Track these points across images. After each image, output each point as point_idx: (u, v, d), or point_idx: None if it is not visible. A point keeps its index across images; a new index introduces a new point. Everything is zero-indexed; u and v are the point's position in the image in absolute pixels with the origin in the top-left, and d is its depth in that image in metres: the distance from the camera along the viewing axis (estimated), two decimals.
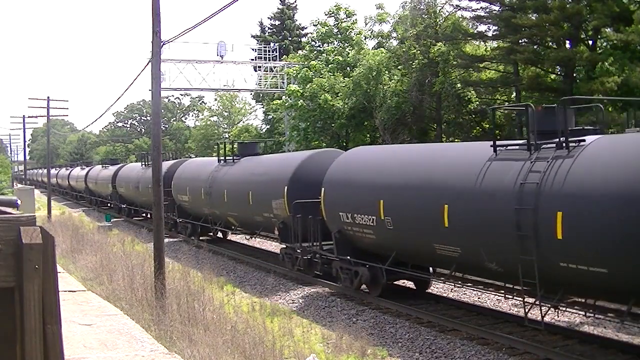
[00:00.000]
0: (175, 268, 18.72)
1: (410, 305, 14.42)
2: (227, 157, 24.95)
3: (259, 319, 13.68)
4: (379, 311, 14.50)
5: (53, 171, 75.77)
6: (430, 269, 15.50)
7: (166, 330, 9.93)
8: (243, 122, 69.39)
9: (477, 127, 33.44)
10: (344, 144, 38.35)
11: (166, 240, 26.78)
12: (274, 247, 25.40)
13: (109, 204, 47.67)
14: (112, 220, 37.24)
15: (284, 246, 19.37)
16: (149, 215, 37.24)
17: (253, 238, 25.43)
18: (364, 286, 15.79)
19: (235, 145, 31.12)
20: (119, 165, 46.01)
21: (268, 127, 55.71)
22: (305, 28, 63.58)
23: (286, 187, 18.51)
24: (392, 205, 13.76)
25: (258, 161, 22.84)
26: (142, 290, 13.22)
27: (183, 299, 12.68)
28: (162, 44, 14.63)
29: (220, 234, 28.62)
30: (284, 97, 43.82)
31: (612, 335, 12.10)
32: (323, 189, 16.31)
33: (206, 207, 25.25)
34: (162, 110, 47.88)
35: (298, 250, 18.11)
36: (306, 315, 15.09)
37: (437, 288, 16.49)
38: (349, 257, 15.55)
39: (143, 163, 36.86)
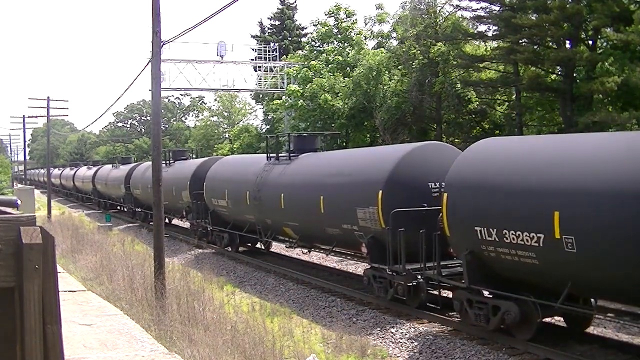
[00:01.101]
0: (175, 268, 18.73)
1: (410, 305, 14.41)
2: (280, 154, 20.73)
3: (259, 319, 13.68)
4: (379, 311, 14.50)
5: (56, 171, 74.14)
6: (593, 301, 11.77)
7: (166, 330, 9.93)
8: (243, 122, 69.36)
9: (477, 127, 33.44)
10: (344, 144, 38.36)
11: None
12: (336, 263, 21.35)
13: (119, 207, 44.73)
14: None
15: (369, 267, 15.20)
16: (170, 221, 34.31)
17: (310, 252, 21.25)
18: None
19: (283, 139, 27.93)
20: (132, 165, 42.04)
21: (268, 127, 55.67)
22: (305, 28, 63.62)
23: (381, 192, 14.26)
24: (575, 220, 9.63)
25: (328, 158, 18.93)
26: (142, 290, 13.22)
27: (183, 299, 12.69)
28: (162, 44, 14.63)
29: (259, 244, 23.89)
30: (284, 97, 43.81)
31: (612, 335, 12.10)
32: (446, 194, 12.20)
33: (252, 215, 21.09)
34: (162, 110, 47.88)
35: (395, 274, 13.90)
36: (306, 315, 15.09)
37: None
38: (485, 288, 11.85)
39: (164, 161, 33.93)
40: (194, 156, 37.31)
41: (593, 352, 10.73)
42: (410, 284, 13.57)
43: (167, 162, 31.96)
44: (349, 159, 17.73)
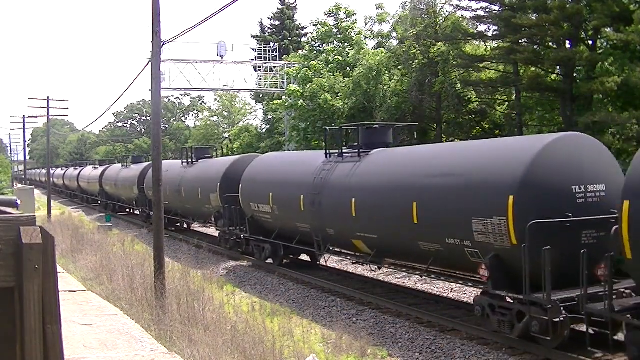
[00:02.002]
0: (175, 268, 18.73)
1: (410, 305, 14.42)
2: (343, 150, 17.24)
3: (259, 319, 13.69)
4: (379, 311, 14.50)
5: (59, 171, 72.40)
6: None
7: (166, 330, 9.93)
8: (243, 122, 69.36)
9: (477, 127, 33.43)
10: (344, 144, 38.36)
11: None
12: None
13: (129, 210, 42.12)
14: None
15: (484, 293, 12.13)
16: (189, 227, 32.44)
17: (379, 269, 18.00)
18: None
19: (345, 133, 24.64)
20: (146, 164, 38.29)
21: (268, 127, 55.69)
22: (305, 28, 63.61)
23: (512, 198, 11.00)
24: None
25: (420, 154, 15.01)
26: (142, 290, 13.23)
27: (183, 299, 12.69)
28: (162, 44, 14.64)
29: (303, 256, 20.73)
30: (283, 97, 43.81)
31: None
32: (627, 202, 9.22)
33: (307, 223, 17.57)
34: (162, 110, 47.86)
35: (534, 305, 10.83)
36: (306, 315, 15.09)
37: (438, 288, 16.46)
38: None
39: (185, 160, 29.93)
40: (216, 154, 34.74)
41: (593, 352, 10.72)
42: (558, 319, 10.52)
43: (190, 160, 28.89)
44: (457, 154, 13.68)
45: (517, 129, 29.11)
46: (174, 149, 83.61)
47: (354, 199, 15.15)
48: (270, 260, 20.52)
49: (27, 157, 75.59)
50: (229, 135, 63.46)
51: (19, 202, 4.01)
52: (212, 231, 29.37)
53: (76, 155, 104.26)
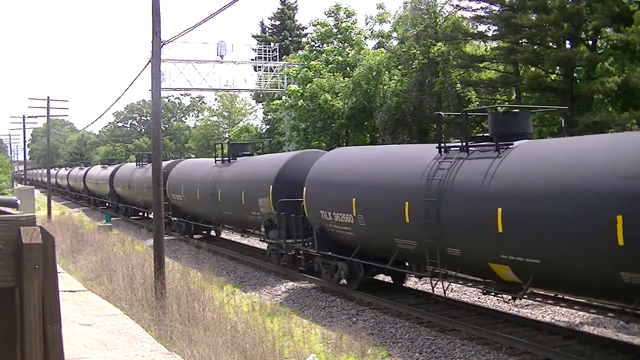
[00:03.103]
0: (175, 268, 18.73)
1: (410, 305, 14.42)
2: (469, 143, 12.81)
3: (259, 319, 13.69)
4: (379, 311, 14.50)
5: (62, 171, 69.72)
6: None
7: (166, 330, 9.93)
8: (243, 122, 69.41)
9: (477, 127, 33.44)
10: (344, 144, 38.37)
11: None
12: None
13: (143, 213, 38.18)
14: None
15: None
16: (218, 234, 28.55)
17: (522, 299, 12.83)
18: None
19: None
20: (167, 163, 32.42)
21: (268, 127, 55.74)
22: (305, 28, 63.65)
23: None
24: None
25: (618, 146, 10.46)
26: (142, 290, 13.23)
27: (183, 299, 12.69)
28: (162, 44, 14.64)
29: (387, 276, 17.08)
30: (284, 97, 43.84)
31: (612, 335, 12.10)
32: None
33: (413, 239, 13.33)
34: (162, 110, 47.81)
35: None
36: (306, 315, 15.09)
37: (436, 289, 16.45)
38: None
39: (220, 158, 25.26)
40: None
41: (593, 352, 10.73)
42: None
43: (226, 159, 24.70)
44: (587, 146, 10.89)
45: None
46: (174, 149, 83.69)
47: (500, 210, 11.01)
48: (344, 282, 16.55)
49: (27, 157, 75.59)
50: (229, 135, 63.49)
51: (18, 202, 4.01)
52: (252, 242, 25.83)
53: (76, 155, 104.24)
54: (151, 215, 35.32)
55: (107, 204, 46.05)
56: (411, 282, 17.22)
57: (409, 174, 13.69)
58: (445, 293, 13.88)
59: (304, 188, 17.22)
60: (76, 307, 8.80)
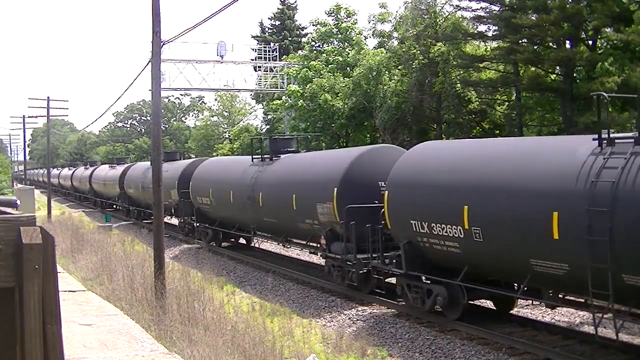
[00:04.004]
0: (175, 268, 18.73)
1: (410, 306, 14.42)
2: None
3: (259, 319, 13.69)
4: (379, 311, 14.50)
5: (65, 171, 67.67)
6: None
7: (166, 330, 9.93)
8: (243, 122, 69.39)
9: (477, 127, 33.44)
10: (344, 144, 38.37)
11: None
12: None
13: (147, 216, 34.17)
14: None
15: None
16: (248, 242, 24.99)
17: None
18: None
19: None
20: (188, 162, 30.08)
21: (268, 127, 55.74)
22: (305, 28, 63.65)
23: None
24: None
25: None
26: (142, 290, 13.22)
27: (183, 299, 12.69)
28: (162, 44, 14.63)
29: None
30: (284, 97, 43.84)
31: (612, 335, 12.09)
32: None
33: (569, 261, 9.99)
34: (162, 110, 47.75)
35: None
36: (306, 315, 15.09)
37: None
38: None
39: (258, 156, 22.20)
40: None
41: (593, 352, 10.73)
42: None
43: (267, 156, 21.50)
44: None
45: (517, 129, 29.13)
46: (174, 149, 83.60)
47: None
48: (437, 310, 13.69)
49: (27, 157, 75.54)
50: (229, 135, 63.49)
51: (18, 202, 4.01)
52: (296, 253, 22.58)
53: (76, 155, 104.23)
54: (166, 220, 33.21)
55: (115, 207, 44.16)
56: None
57: (555, 174, 10.38)
58: (617, 336, 9.92)
59: (386, 192, 13.94)
60: (76, 307, 8.80)
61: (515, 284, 12.36)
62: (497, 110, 33.30)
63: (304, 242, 19.17)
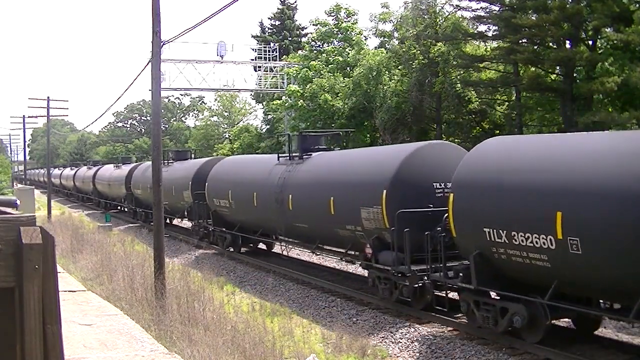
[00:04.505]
0: (175, 268, 18.73)
1: (410, 305, 14.41)
2: None
3: (259, 319, 13.69)
4: (379, 311, 14.50)
5: (67, 171, 65.49)
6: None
7: (166, 330, 9.93)
8: (243, 122, 69.41)
9: (477, 127, 33.45)
10: (344, 144, 38.35)
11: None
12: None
13: (166, 220, 31.14)
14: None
15: None
16: (294, 255, 21.96)
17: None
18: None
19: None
20: (204, 161, 27.79)
21: (268, 127, 55.72)
22: (305, 28, 63.66)
23: None
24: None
25: None
26: (142, 290, 13.23)
27: (183, 299, 12.69)
28: (162, 44, 14.64)
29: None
30: (284, 97, 43.83)
31: (612, 335, 12.09)
32: None
33: None
34: (162, 110, 47.68)
35: None
36: (306, 315, 15.10)
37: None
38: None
39: (287, 155, 19.95)
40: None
41: (593, 352, 10.73)
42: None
43: (296, 155, 19.37)
44: None
45: (517, 129, 29.12)
46: (174, 149, 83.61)
47: None
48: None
49: (27, 157, 75.51)
50: (229, 135, 63.49)
51: (18, 202, 4.01)
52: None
53: (76, 155, 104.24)
54: (177, 222, 32.90)
55: (121, 208, 42.85)
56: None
57: None
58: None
59: (451, 195, 12.01)
60: (76, 307, 8.80)
61: (605, 302, 10.90)
62: (497, 110, 33.30)
63: (343, 251, 16.94)
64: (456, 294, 12.94)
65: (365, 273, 16.07)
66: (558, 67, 27.60)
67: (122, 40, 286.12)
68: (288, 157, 19.63)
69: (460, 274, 12.02)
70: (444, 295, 12.96)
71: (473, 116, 33.99)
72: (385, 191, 14.02)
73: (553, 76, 28.58)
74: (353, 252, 16.28)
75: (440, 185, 13.87)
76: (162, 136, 24.75)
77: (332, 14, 45.81)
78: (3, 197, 7.31)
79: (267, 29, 65.51)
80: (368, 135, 39.05)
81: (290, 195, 18.11)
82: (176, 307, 12.13)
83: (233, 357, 9.23)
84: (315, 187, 17.11)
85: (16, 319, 2.70)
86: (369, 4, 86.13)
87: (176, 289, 13.84)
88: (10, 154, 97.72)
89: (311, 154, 18.86)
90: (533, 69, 28.10)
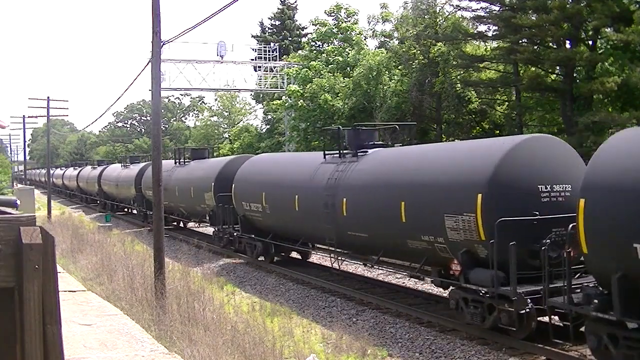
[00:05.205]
0: (175, 268, 18.72)
1: (410, 305, 14.41)
2: None
3: (259, 319, 13.68)
4: (379, 311, 14.50)
5: (71, 171, 63.79)
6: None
7: (166, 330, 9.93)
8: (243, 122, 69.41)
9: (477, 127, 33.45)
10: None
11: None
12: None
13: (176, 224, 31.53)
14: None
15: None
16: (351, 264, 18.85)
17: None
18: None
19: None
20: (227, 161, 25.06)
21: (268, 127, 55.74)
22: (306, 28, 63.68)
23: None
24: None
25: None
26: (142, 290, 13.23)
27: (183, 299, 12.70)
28: (162, 44, 14.63)
29: None
30: (284, 97, 43.83)
31: None
32: None
33: None
34: (162, 110, 47.58)
35: None
36: (306, 315, 15.09)
37: (437, 288, 16.43)
38: None
39: (339, 152, 16.99)
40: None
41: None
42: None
43: (348, 152, 16.76)
44: None
45: (517, 129, 29.12)
46: (174, 149, 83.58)
47: None
48: None
49: (27, 157, 75.49)
50: (229, 135, 63.49)
51: (18, 202, 4.01)
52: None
53: (76, 155, 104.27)
54: (191, 225, 31.23)
55: (128, 210, 41.50)
56: (411, 282, 17.16)
57: None
58: None
59: (581, 201, 9.34)
60: (76, 307, 8.80)
61: None
62: (497, 110, 33.31)
63: (414, 265, 14.62)
64: (556, 316, 11.15)
65: (381, 276, 15.93)
66: (558, 67, 27.61)
67: (122, 40, 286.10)
68: (338, 155, 16.98)
69: (595, 300, 9.33)
70: (547, 321, 10.80)
71: (473, 116, 34.00)
72: (480, 195, 11.43)
73: (553, 76, 28.59)
74: (428, 268, 13.64)
75: (546, 188, 11.52)
76: (162, 136, 24.07)
77: (332, 14, 45.81)
78: (3, 197, 7.32)
79: (267, 29, 65.52)
80: None
81: (344, 199, 15.37)
82: (176, 307, 12.13)
83: (233, 357, 9.23)
84: (379, 190, 14.34)
85: (16, 319, 2.70)
86: (367, 4, 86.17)
87: (176, 289, 13.84)
88: (10, 154, 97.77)
89: (367, 151, 16.20)
90: (533, 69, 28.10)
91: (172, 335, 9.63)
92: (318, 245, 19.17)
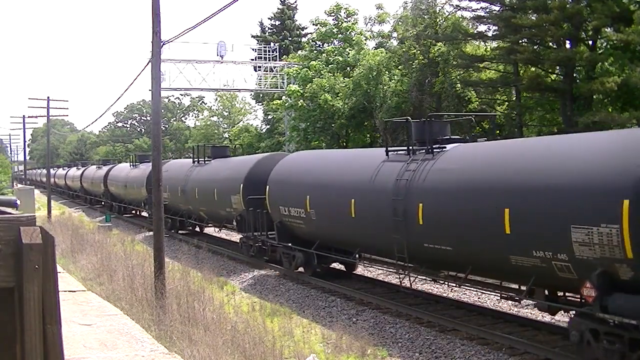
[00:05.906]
0: (175, 268, 18.73)
1: (410, 305, 14.41)
2: None
3: (259, 319, 13.69)
4: (379, 311, 14.50)
5: (74, 171, 61.41)
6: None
7: (166, 330, 9.93)
8: (243, 122, 69.40)
9: (477, 127, 33.43)
10: (344, 144, 38.37)
11: None
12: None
13: (190, 227, 29.35)
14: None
15: None
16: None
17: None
18: None
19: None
20: (262, 157, 22.21)
21: (268, 127, 55.73)
22: (306, 28, 63.67)
23: None
24: None
25: None
26: (142, 290, 13.23)
27: (183, 299, 12.70)
28: (162, 44, 14.63)
29: None
30: (284, 97, 43.82)
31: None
32: None
33: None
34: (162, 110, 47.48)
35: None
36: (306, 315, 15.09)
37: (437, 288, 16.48)
38: None
39: (407, 148, 14.47)
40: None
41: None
42: None
43: (420, 148, 14.10)
44: None
45: (517, 128, 29.12)
46: (174, 149, 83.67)
47: None
48: None
49: (27, 157, 75.50)
50: (229, 135, 63.48)
51: (18, 202, 4.02)
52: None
53: (76, 155, 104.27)
54: (207, 231, 29.41)
55: (136, 212, 39.70)
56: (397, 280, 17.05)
57: None
58: None
59: None
60: (76, 307, 8.80)
61: None
62: (497, 110, 33.29)
63: (516, 286, 12.59)
64: None
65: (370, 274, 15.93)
66: (558, 67, 27.60)
67: (122, 40, 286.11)
68: (406, 151, 14.39)
69: None
70: None
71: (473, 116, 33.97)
72: (628, 202, 8.82)
73: (553, 76, 28.58)
74: (532, 290, 11.13)
75: None
76: (162, 136, 23.72)
77: (332, 14, 45.80)
78: (3, 197, 7.32)
79: (267, 29, 65.51)
80: (368, 135, 39.07)
81: (421, 205, 12.80)
82: (176, 307, 12.14)
83: (233, 357, 9.23)
84: (471, 194, 11.72)
85: (16, 319, 2.69)
86: (367, 4, 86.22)
87: (176, 289, 13.85)
88: (10, 154, 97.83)
89: (444, 147, 13.58)
90: (533, 69, 28.10)
91: (172, 335, 9.63)
92: (376, 258, 16.84)
